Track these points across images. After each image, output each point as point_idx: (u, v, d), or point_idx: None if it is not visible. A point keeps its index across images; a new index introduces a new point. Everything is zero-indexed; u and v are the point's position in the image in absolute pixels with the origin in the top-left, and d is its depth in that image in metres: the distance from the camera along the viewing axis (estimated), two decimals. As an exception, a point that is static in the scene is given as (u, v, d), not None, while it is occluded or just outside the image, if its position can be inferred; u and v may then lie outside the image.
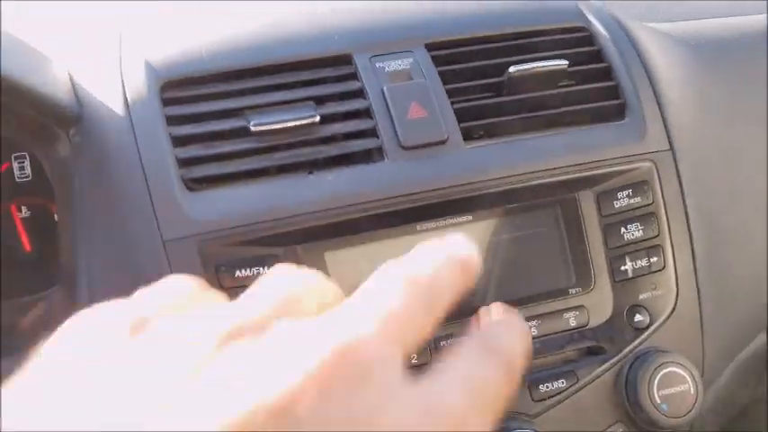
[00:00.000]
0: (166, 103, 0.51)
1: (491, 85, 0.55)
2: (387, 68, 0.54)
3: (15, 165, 0.59)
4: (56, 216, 0.59)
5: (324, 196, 0.50)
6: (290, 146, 0.51)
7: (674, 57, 0.60)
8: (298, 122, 0.51)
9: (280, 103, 0.52)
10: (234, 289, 0.48)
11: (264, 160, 0.50)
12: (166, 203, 0.48)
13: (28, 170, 0.59)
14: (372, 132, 0.52)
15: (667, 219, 0.54)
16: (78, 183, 0.51)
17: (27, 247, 0.59)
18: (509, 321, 0.26)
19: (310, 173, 0.50)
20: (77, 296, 0.49)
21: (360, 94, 0.53)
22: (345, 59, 0.54)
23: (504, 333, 0.25)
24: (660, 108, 0.57)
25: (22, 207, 0.59)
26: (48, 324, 0.52)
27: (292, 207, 0.49)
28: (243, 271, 0.48)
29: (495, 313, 0.43)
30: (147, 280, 0.46)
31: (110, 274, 0.48)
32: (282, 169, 0.50)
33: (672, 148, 0.55)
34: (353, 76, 0.53)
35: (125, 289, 0.48)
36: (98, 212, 0.50)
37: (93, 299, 0.50)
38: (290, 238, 0.49)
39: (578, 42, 0.58)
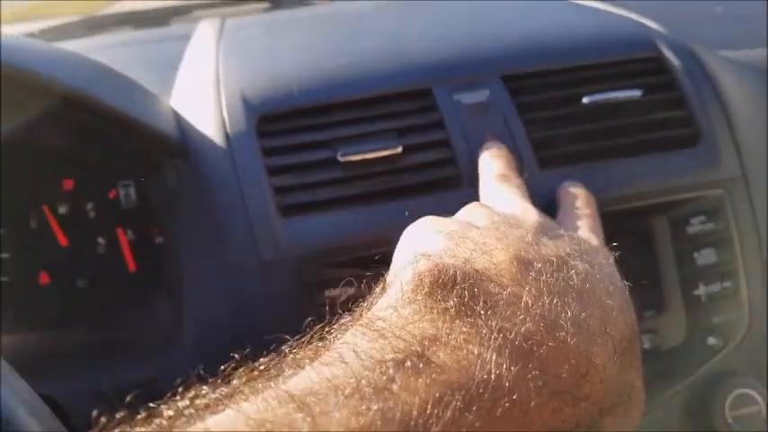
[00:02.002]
0: (262, 135, 0.56)
1: (567, 115, 0.57)
2: (464, 101, 0.57)
3: (122, 192, 0.65)
4: (156, 239, 0.64)
5: (406, 222, 0.53)
6: (374, 175, 0.55)
7: (744, 84, 0.62)
8: (382, 153, 0.55)
9: (365, 135, 0.56)
10: (323, 307, 0.52)
11: (351, 188, 0.54)
12: (264, 228, 0.52)
13: (133, 197, 0.65)
14: (451, 161, 0.55)
15: (740, 244, 0.56)
16: (184, 209, 0.56)
17: (131, 266, 0.65)
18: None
19: (393, 200, 0.54)
20: (183, 310, 0.54)
21: (439, 125, 0.56)
22: (425, 93, 0.58)
23: None
24: (732, 135, 0.58)
25: (128, 231, 0.65)
26: (155, 332, 0.57)
27: (377, 232, 0.53)
28: (331, 291, 0.52)
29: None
30: (245, 297, 0.51)
31: (212, 292, 0.53)
32: (368, 197, 0.54)
33: (744, 175, 0.57)
34: (433, 108, 0.57)
35: (226, 304, 0.53)
36: (202, 236, 0.54)
37: (196, 312, 0.55)
38: (374, 261, 0.52)
39: (651, 71, 0.60)
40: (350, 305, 0.50)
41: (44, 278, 0.65)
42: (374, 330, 0.31)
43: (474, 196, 0.53)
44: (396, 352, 0.29)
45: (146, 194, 0.63)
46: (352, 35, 0.70)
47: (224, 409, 0.27)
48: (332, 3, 1.06)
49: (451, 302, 0.31)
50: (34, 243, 0.64)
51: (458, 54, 0.61)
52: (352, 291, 0.52)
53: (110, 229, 0.64)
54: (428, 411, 0.27)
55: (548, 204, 0.52)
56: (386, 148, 0.54)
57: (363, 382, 0.28)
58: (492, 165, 0.52)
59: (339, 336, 0.32)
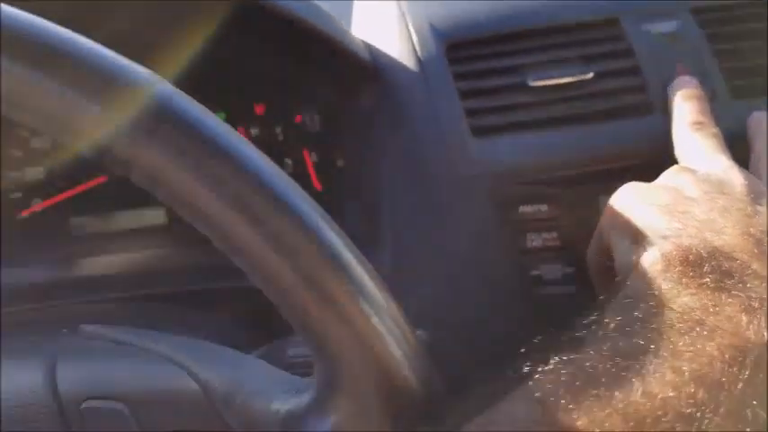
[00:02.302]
0: (452, 62, 0.59)
1: (759, 47, 0.57)
2: (653, 30, 0.58)
3: (306, 117, 0.70)
4: (338, 162, 0.69)
5: (596, 145, 0.56)
6: (564, 99, 0.57)
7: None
8: (572, 79, 0.56)
9: (554, 62, 0.58)
10: (518, 222, 0.55)
11: (541, 112, 0.56)
12: (459, 147, 0.56)
13: (317, 121, 0.69)
14: (641, 89, 0.56)
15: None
16: (378, 131, 0.60)
17: (318, 186, 0.70)
18: None
19: (583, 124, 0.56)
20: (380, 228, 0.58)
21: (628, 53, 0.57)
22: (613, 22, 0.59)
23: None
24: None
25: (312, 153, 0.70)
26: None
27: (568, 154, 0.55)
28: (525, 207, 0.55)
29: None
30: (442, 212, 0.55)
31: (410, 207, 0.57)
32: (558, 121, 0.56)
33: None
34: (622, 37, 0.58)
35: (423, 219, 0.57)
36: (398, 156, 0.58)
37: (395, 228, 0.59)
38: (567, 180, 0.55)
39: None
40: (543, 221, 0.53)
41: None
42: (648, 304, 0.34)
43: (664, 124, 0.55)
44: (679, 322, 0.32)
45: (332, 118, 0.68)
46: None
47: None
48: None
49: (707, 279, 0.34)
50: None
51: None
52: (544, 207, 0.55)
53: (296, 151, 0.69)
54: (729, 370, 0.30)
55: (739, 134, 0.53)
56: (576, 74, 0.56)
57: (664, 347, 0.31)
58: (686, 109, 0.52)
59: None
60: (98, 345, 0.33)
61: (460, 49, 0.59)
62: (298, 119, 0.69)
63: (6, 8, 0.25)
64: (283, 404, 0.30)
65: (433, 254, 0.57)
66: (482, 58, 0.59)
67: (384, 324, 0.28)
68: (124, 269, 0.70)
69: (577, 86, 0.57)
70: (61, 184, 0.69)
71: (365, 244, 0.57)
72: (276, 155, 0.70)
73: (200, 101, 0.29)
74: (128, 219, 0.70)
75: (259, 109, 0.69)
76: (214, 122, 0.27)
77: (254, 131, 0.70)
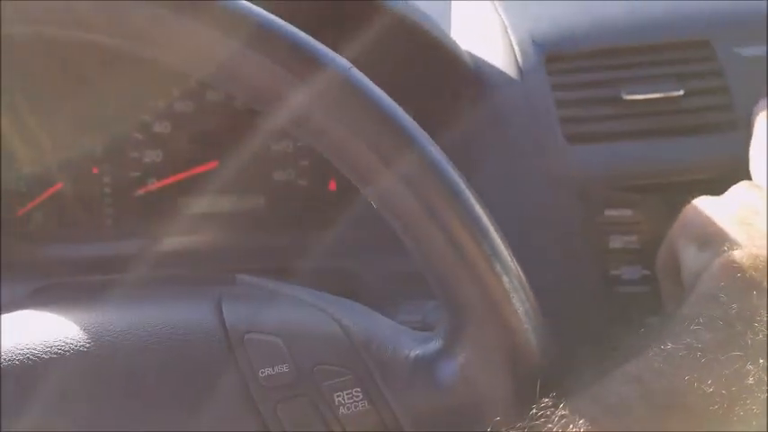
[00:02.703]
0: (550, 72, 0.63)
1: None
2: (743, 53, 0.62)
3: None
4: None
5: (681, 158, 0.59)
6: (654, 113, 0.61)
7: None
8: (663, 94, 0.60)
9: (646, 78, 0.62)
10: (604, 225, 0.59)
11: (633, 124, 0.60)
12: (553, 152, 0.60)
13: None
14: (728, 108, 0.60)
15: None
16: (475, 130, 0.65)
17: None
18: None
19: (671, 138, 0.60)
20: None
21: (719, 73, 0.61)
22: (705, 44, 0.63)
23: None
24: None
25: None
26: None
27: (654, 164, 0.59)
28: (610, 210, 0.59)
29: None
30: (533, 210, 0.59)
31: (499, 205, 0.61)
32: (647, 133, 0.60)
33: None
34: (713, 58, 0.62)
35: (513, 217, 0.61)
36: (493, 156, 0.63)
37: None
38: (651, 188, 0.59)
39: None
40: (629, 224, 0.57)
41: (333, 185, 0.76)
42: (721, 304, 0.38)
43: (748, 140, 0.58)
44: (751, 321, 0.37)
45: (431, 118, 0.73)
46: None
47: None
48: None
49: None
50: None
51: (735, 10, 0.65)
52: (628, 212, 0.58)
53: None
54: None
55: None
56: (668, 91, 0.60)
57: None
58: (764, 128, 0.56)
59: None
60: (255, 292, 0.39)
61: (559, 61, 0.64)
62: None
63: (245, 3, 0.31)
64: (412, 350, 0.35)
65: (519, 248, 0.61)
66: (579, 71, 0.63)
67: (512, 285, 0.32)
68: (223, 246, 0.76)
69: (668, 102, 0.61)
70: (176, 167, 0.75)
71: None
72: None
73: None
74: (230, 202, 0.76)
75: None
76: (389, 103, 0.32)
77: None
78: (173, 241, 0.76)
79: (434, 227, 0.32)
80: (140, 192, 0.75)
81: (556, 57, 0.64)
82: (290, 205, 0.75)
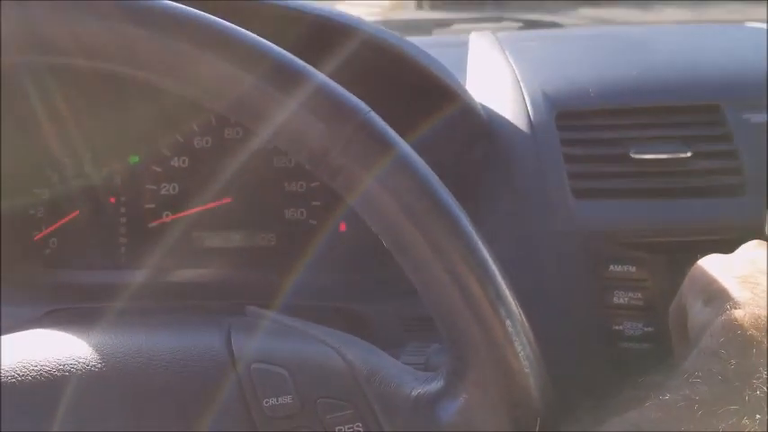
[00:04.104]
0: (560, 128, 0.65)
1: None
2: (752, 120, 0.63)
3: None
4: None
5: (688, 219, 0.60)
6: (662, 174, 0.62)
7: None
8: (672, 155, 0.62)
9: (655, 138, 0.63)
10: (608, 279, 0.60)
11: (640, 183, 0.62)
12: (559, 205, 0.61)
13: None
14: (737, 171, 0.61)
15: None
16: (485, 181, 0.66)
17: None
18: None
19: (678, 199, 0.61)
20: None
21: (727, 138, 0.62)
22: (714, 108, 0.64)
23: None
24: None
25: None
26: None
27: (660, 223, 0.60)
28: (615, 266, 0.59)
29: None
30: (537, 261, 0.60)
31: (506, 253, 0.62)
32: (654, 192, 0.61)
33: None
34: (722, 123, 0.63)
35: (519, 265, 0.62)
36: (501, 204, 0.64)
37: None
38: (656, 247, 0.60)
39: None
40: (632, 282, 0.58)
41: (343, 227, 0.77)
42: (721, 360, 0.39)
43: (756, 205, 0.59)
44: (749, 378, 0.38)
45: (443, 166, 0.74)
46: (633, 51, 0.78)
47: None
48: (587, 27, 1.14)
49: None
50: (339, 197, 0.77)
51: (744, 77, 0.67)
52: (633, 269, 0.59)
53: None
54: None
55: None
56: (676, 152, 0.61)
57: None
58: None
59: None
60: (263, 323, 0.40)
61: (569, 118, 0.66)
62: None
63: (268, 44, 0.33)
64: (414, 389, 0.36)
65: (523, 298, 0.62)
66: (589, 128, 0.65)
67: (514, 329, 0.33)
68: (232, 281, 0.77)
69: (676, 163, 0.62)
70: (190, 201, 0.77)
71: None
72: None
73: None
74: (242, 238, 0.77)
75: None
76: (404, 146, 0.34)
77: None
78: (183, 273, 0.77)
79: (442, 268, 0.33)
80: (154, 223, 0.77)
81: (567, 113, 0.66)
82: (300, 244, 0.76)
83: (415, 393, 0.36)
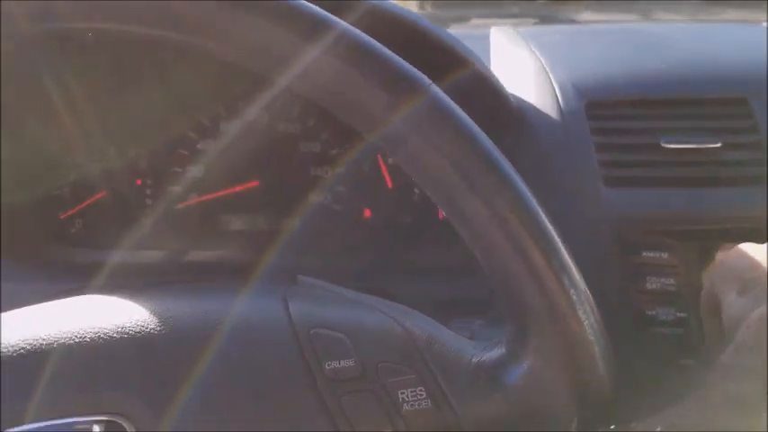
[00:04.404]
0: (590, 117, 0.66)
1: None
2: (779, 112, 0.64)
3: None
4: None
5: (717, 207, 0.61)
6: (690, 163, 0.63)
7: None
8: (702, 146, 0.63)
9: (685, 129, 0.64)
10: (640, 266, 0.60)
11: (670, 172, 0.63)
12: (590, 194, 0.62)
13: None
14: (763, 162, 0.62)
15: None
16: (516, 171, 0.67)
17: (440, 216, 0.76)
18: None
19: (706, 187, 0.62)
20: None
21: (755, 130, 0.63)
22: (743, 101, 0.65)
23: None
24: None
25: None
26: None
27: (689, 211, 0.61)
28: (648, 252, 0.60)
29: None
30: (570, 248, 0.60)
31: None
32: (684, 180, 0.62)
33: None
34: (750, 115, 0.64)
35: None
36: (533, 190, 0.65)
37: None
38: (686, 234, 0.61)
39: None
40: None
41: (367, 213, 0.78)
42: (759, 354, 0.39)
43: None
44: None
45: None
46: (658, 46, 0.79)
47: None
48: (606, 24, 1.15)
49: None
50: (364, 183, 0.77)
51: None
52: (665, 255, 0.60)
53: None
54: None
55: None
56: (706, 142, 0.62)
57: None
58: None
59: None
60: (317, 292, 0.40)
61: (599, 108, 0.66)
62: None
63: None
64: (474, 356, 0.37)
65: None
66: (619, 118, 0.66)
67: (578, 298, 0.34)
68: (256, 264, 0.77)
69: (705, 153, 0.63)
70: (216, 184, 0.77)
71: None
72: (408, 181, 0.77)
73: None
74: (267, 221, 0.77)
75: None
76: (466, 118, 0.34)
77: (390, 160, 0.77)
78: (207, 255, 0.78)
79: (506, 240, 0.33)
80: (180, 206, 0.77)
81: (596, 103, 0.67)
82: (323, 229, 0.77)
83: (475, 360, 0.36)
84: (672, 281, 0.59)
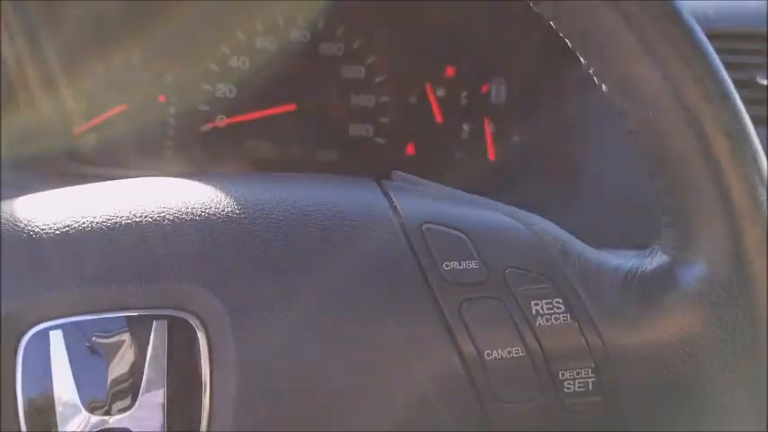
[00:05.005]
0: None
1: None
2: None
3: (494, 88, 0.70)
4: (513, 138, 0.69)
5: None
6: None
7: None
8: (802, 83, 0.57)
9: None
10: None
11: (762, 111, 0.57)
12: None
13: (503, 94, 0.70)
14: None
15: None
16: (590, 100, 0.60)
17: (491, 155, 0.70)
18: None
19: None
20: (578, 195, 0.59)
21: None
22: None
23: None
24: None
25: (492, 123, 0.70)
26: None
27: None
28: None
29: None
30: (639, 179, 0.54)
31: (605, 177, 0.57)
32: (777, 119, 0.56)
33: None
34: None
35: (616, 189, 0.56)
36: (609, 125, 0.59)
37: (592, 195, 0.59)
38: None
39: None
40: None
41: (411, 149, 0.71)
42: None
43: None
44: None
45: (523, 92, 0.68)
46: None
47: None
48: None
49: None
50: (410, 115, 0.70)
51: None
52: None
53: (478, 118, 0.70)
54: None
55: None
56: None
57: None
58: None
59: None
60: (422, 189, 0.33)
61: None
62: (484, 88, 0.70)
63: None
64: (623, 264, 0.30)
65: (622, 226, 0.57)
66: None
67: (755, 201, 0.27)
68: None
69: (804, 92, 0.57)
70: (247, 106, 0.70)
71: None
72: (456, 118, 0.70)
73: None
74: (301, 151, 0.71)
75: (450, 71, 0.70)
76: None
77: (439, 92, 0.70)
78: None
79: (690, 138, 0.27)
80: (206, 127, 0.70)
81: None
82: (363, 164, 0.70)
83: (626, 267, 0.30)
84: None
